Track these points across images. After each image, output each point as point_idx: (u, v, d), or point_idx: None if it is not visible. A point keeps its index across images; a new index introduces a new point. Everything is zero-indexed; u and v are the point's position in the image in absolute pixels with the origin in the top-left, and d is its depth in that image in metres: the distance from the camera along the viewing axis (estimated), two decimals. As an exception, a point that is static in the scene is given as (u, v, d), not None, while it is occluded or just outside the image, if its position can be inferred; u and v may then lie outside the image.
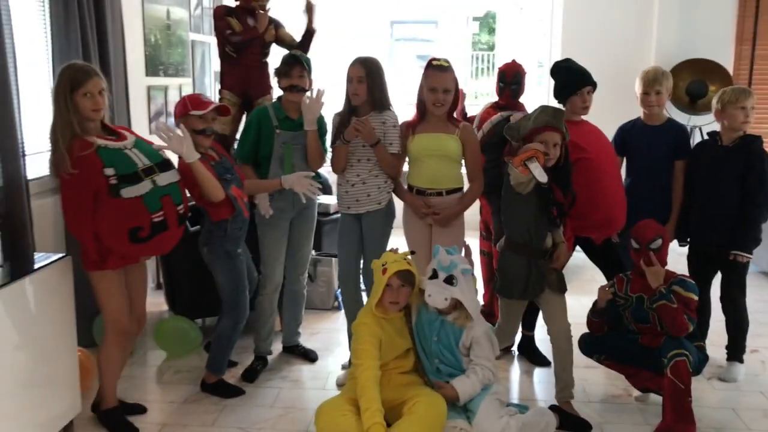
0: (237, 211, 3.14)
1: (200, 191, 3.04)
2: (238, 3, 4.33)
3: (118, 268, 2.88)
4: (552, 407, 3.09)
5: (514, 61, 3.92)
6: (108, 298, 2.90)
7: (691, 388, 2.94)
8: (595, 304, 3.27)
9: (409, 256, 2.99)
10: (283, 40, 4.43)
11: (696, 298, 3.08)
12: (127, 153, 2.80)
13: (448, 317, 2.95)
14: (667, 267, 3.19)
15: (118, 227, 2.73)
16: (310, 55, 3.57)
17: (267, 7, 4.32)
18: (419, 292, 3.00)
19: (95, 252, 2.79)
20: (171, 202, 2.84)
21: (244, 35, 4.23)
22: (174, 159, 2.99)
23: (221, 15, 4.26)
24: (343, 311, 4.05)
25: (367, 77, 3.33)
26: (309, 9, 4.32)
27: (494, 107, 3.87)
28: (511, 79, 3.81)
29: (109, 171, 2.69)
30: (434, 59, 3.36)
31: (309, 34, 4.38)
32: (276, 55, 3.98)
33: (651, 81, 3.61)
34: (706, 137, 3.69)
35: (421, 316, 3.01)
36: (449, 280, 2.87)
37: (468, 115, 4.22)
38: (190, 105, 3.08)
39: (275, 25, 4.39)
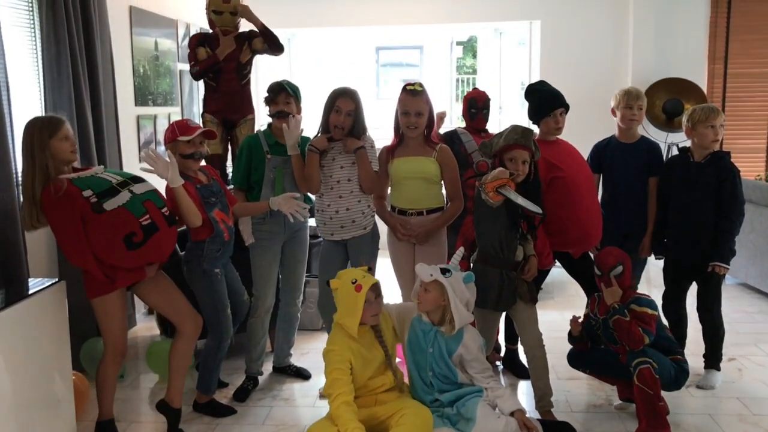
0: (216, 232, 3.24)
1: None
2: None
3: (128, 284, 2.97)
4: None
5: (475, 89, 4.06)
6: (109, 321, 2.97)
7: (661, 393, 3.04)
8: (570, 332, 3.38)
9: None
10: (257, 50, 4.40)
11: (652, 312, 3.14)
12: (100, 176, 2.93)
13: (441, 328, 3.02)
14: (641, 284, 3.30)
15: (113, 239, 2.82)
16: (298, 83, 3.68)
17: (236, 24, 4.33)
18: (412, 308, 3.09)
19: (102, 275, 2.85)
20: (154, 205, 2.95)
21: (201, 64, 4.26)
22: (161, 184, 3.10)
23: (192, 46, 4.34)
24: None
25: (354, 110, 3.44)
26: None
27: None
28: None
29: (87, 193, 2.81)
30: (408, 84, 3.49)
31: (263, 33, 4.34)
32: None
33: (635, 96, 3.77)
34: (676, 152, 3.82)
35: (415, 329, 3.08)
36: (444, 270, 2.97)
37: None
38: (177, 131, 3.21)
39: (249, 40, 4.37)
